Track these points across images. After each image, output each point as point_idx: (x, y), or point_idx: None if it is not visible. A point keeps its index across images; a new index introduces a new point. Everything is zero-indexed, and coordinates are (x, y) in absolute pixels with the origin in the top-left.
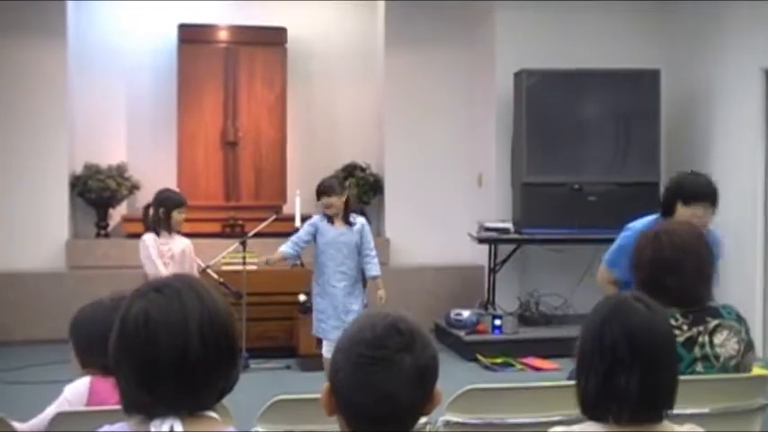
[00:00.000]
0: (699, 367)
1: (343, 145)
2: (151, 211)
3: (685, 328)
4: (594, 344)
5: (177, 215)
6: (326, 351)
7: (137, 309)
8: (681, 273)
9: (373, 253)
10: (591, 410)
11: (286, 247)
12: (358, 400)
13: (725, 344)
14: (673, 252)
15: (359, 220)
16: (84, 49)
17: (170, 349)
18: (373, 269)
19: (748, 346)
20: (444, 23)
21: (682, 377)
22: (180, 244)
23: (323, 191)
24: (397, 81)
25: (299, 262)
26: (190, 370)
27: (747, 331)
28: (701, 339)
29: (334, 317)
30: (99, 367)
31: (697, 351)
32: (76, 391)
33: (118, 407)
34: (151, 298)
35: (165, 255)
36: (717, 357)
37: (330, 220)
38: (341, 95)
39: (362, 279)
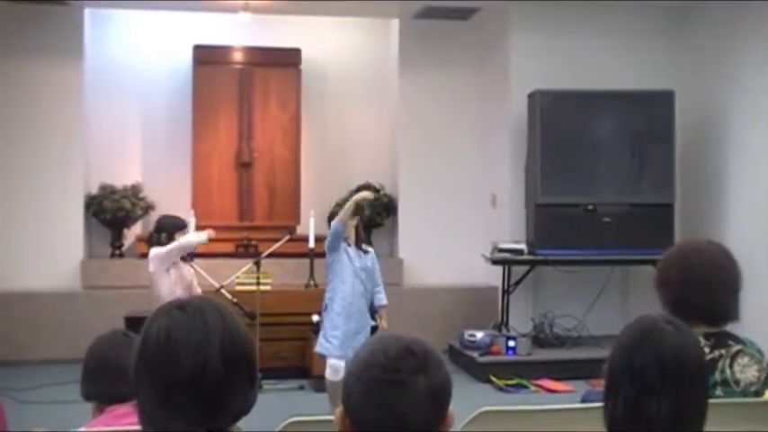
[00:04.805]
0: (718, 391)
1: (357, 165)
2: (154, 237)
3: (707, 350)
4: (624, 368)
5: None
6: (329, 374)
7: (158, 325)
8: (710, 289)
9: (381, 283)
10: None
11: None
12: (372, 423)
13: (745, 370)
14: (702, 268)
15: (370, 249)
16: (100, 71)
17: (190, 367)
18: (383, 299)
19: None
20: (458, 44)
21: None
22: (186, 268)
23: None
24: (411, 102)
25: (313, 282)
26: (209, 388)
27: None
28: (721, 364)
29: (345, 339)
30: (104, 397)
31: (717, 375)
32: None
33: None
34: (173, 315)
35: (182, 277)
36: (737, 383)
37: (348, 245)
38: (355, 116)
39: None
